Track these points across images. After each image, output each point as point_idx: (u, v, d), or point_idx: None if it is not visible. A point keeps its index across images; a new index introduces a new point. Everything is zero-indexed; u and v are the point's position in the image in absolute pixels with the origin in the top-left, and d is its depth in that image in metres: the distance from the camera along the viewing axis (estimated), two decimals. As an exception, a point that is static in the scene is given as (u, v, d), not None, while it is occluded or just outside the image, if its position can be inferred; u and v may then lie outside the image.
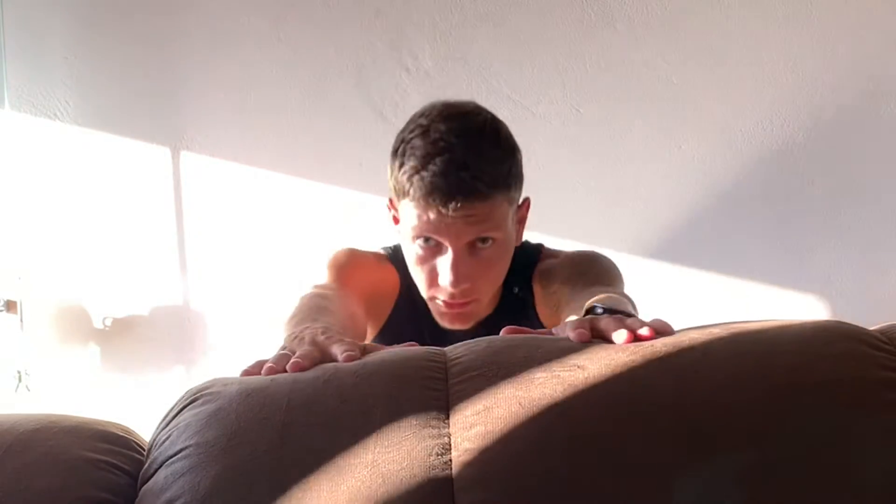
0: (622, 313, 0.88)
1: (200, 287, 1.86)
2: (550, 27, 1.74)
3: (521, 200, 1.16)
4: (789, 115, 1.74)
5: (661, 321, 0.80)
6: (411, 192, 1.05)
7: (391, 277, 1.25)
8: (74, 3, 1.78)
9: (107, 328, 1.86)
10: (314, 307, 1.13)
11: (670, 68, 1.74)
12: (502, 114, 1.76)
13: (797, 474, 0.62)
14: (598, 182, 1.78)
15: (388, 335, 1.26)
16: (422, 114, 1.10)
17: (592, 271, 1.18)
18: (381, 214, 1.81)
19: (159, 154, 1.81)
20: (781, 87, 1.74)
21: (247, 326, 1.86)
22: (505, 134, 1.12)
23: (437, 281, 1.10)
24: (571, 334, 0.75)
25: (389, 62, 1.77)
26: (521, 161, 1.13)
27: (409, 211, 1.07)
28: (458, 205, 1.02)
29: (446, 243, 1.08)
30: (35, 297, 1.83)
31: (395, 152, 1.09)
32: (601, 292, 1.03)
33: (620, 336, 0.74)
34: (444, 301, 1.12)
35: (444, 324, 1.17)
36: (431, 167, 1.02)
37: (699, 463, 0.62)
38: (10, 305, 1.77)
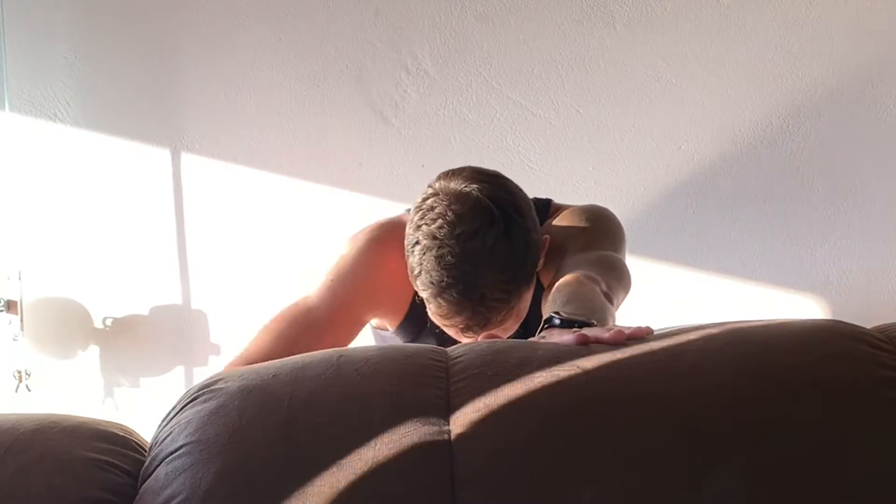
0: (580, 324, 0.87)
1: (200, 287, 1.85)
2: (550, 27, 1.74)
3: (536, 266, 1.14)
4: (789, 115, 1.74)
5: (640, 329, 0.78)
6: (430, 307, 1.08)
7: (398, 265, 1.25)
8: (75, 4, 1.78)
9: (107, 328, 1.86)
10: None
11: (670, 68, 1.74)
12: (502, 114, 1.77)
13: (797, 474, 0.62)
14: (598, 182, 1.78)
15: (410, 325, 1.27)
16: (430, 206, 1.07)
17: (594, 227, 1.20)
18: (380, 214, 1.81)
19: (159, 155, 1.81)
20: (781, 86, 1.74)
21: (247, 326, 1.86)
22: (519, 229, 1.07)
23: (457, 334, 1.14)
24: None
25: (389, 62, 1.77)
26: (538, 243, 1.11)
27: (430, 310, 1.10)
28: (476, 331, 1.07)
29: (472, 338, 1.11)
30: (35, 297, 1.83)
31: (409, 250, 1.08)
32: (591, 261, 1.06)
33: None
34: None
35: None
36: (447, 296, 1.04)
37: (699, 463, 0.62)
38: (11, 305, 1.77)
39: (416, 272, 1.08)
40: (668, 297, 1.81)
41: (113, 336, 1.87)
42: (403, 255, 1.16)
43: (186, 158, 1.81)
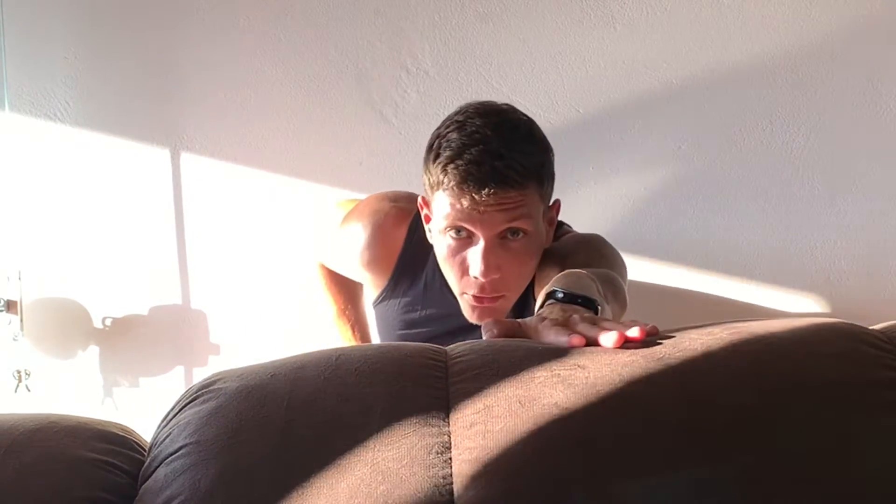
0: (583, 298, 0.88)
1: (200, 287, 1.85)
2: (550, 27, 1.74)
3: (551, 201, 1.18)
4: (789, 115, 1.74)
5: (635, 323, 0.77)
6: (445, 180, 1.07)
7: (397, 242, 1.29)
8: (74, 4, 1.78)
9: (107, 328, 1.86)
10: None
11: (670, 68, 1.74)
12: (502, 114, 1.77)
13: (797, 474, 0.62)
14: (598, 182, 1.78)
15: (398, 285, 1.30)
16: (458, 111, 1.13)
17: (593, 252, 1.20)
18: (381, 214, 1.81)
19: (159, 154, 1.81)
20: (781, 86, 1.74)
21: (247, 326, 1.86)
22: (539, 134, 1.14)
23: (468, 272, 1.12)
24: (548, 339, 0.76)
25: (389, 62, 1.77)
26: (552, 162, 1.16)
27: (443, 201, 1.10)
28: (492, 191, 1.05)
29: (478, 233, 1.10)
30: (35, 297, 1.83)
31: (430, 147, 1.12)
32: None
33: (609, 339, 0.73)
34: (473, 295, 1.14)
35: (473, 319, 1.18)
36: (466, 156, 1.05)
37: (699, 463, 0.62)
38: (11, 305, 1.77)
39: (435, 152, 1.10)
40: (668, 297, 1.81)
41: (112, 336, 1.87)
42: (392, 237, 1.20)
43: (186, 158, 1.81)
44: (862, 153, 1.75)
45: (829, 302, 1.78)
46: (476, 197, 1.06)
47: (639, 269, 1.79)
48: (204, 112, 1.80)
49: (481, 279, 1.11)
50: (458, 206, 1.08)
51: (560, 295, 0.88)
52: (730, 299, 1.81)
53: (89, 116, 1.80)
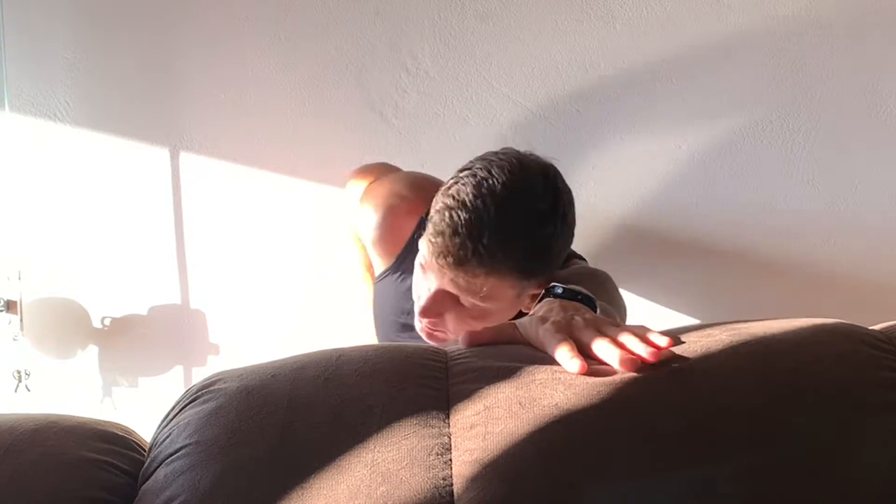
0: (583, 295, 0.85)
1: (199, 287, 1.85)
2: (550, 27, 1.74)
3: (539, 285, 1.07)
4: (789, 115, 1.74)
5: (642, 328, 0.74)
6: (430, 225, 1.03)
7: (405, 231, 1.27)
8: (74, 3, 1.78)
9: (106, 328, 1.86)
10: None
11: (670, 68, 1.74)
12: (502, 114, 1.77)
13: (798, 475, 0.62)
14: (598, 182, 1.78)
15: (399, 270, 1.29)
16: (503, 157, 1.06)
17: (595, 281, 1.16)
18: (380, 214, 1.81)
19: (158, 154, 1.81)
20: (781, 86, 1.74)
21: (247, 326, 1.86)
22: (548, 231, 1.04)
23: (418, 292, 1.10)
24: (551, 348, 0.71)
25: (389, 62, 1.77)
26: (553, 256, 1.07)
27: (424, 237, 1.06)
28: (448, 265, 1.00)
29: (433, 279, 1.06)
30: (35, 297, 1.83)
31: (461, 169, 1.06)
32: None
33: (611, 356, 0.68)
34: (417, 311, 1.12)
35: (417, 326, 1.17)
36: (455, 217, 0.99)
37: (700, 464, 0.62)
38: (10, 305, 1.77)
39: (450, 183, 1.03)
40: (669, 297, 1.81)
41: (112, 336, 1.87)
42: (409, 217, 1.18)
43: (186, 158, 1.81)
44: (862, 153, 1.75)
45: (829, 302, 1.78)
46: (437, 259, 1.01)
47: (639, 269, 1.79)
48: (204, 112, 1.80)
49: (418, 315, 1.09)
50: (426, 253, 1.04)
51: (559, 290, 0.86)
52: (730, 299, 1.81)
53: (89, 116, 1.80)
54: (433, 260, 1.03)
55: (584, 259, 1.30)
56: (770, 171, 1.76)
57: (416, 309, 1.10)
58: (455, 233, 0.99)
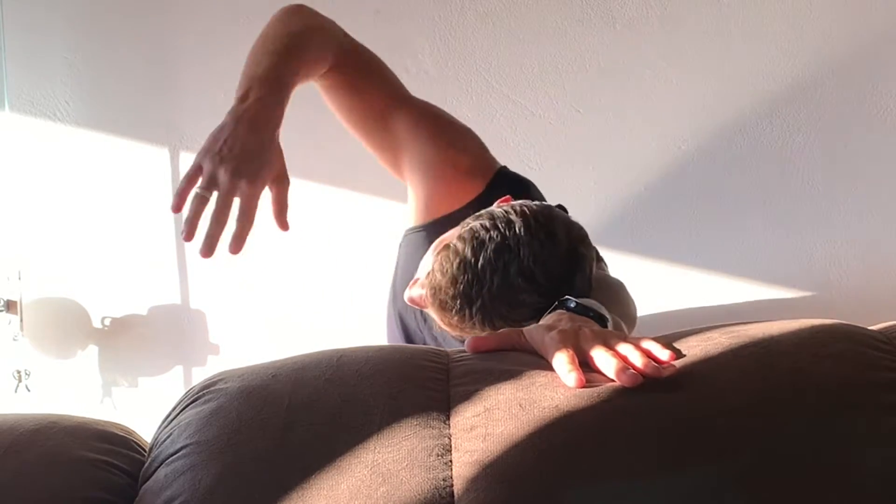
0: (595, 313, 0.83)
1: (200, 287, 1.85)
2: (551, 27, 1.74)
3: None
4: (789, 115, 1.74)
5: (646, 339, 0.72)
6: (432, 268, 0.99)
7: (472, 188, 1.21)
8: (74, 4, 1.78)
9: (106, 328, 1.86)
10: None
11: (670, 68, 1.74)
12: (502, 114, 1.77)
13: (797, 475, 0.62)
14: (598, 182, 1.78)
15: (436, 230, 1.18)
16: (509, 212, 0.98)
17: (607, 295, 1.14)
18: (379, 214, 1.80)
19: (158, 154, 1.80)
20: (781, 86, 1.73)
21: (247, 326, 1.86)
22: (550, 288, 0.96)
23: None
24: (551, 358, 0.69)
25: (389, 62, 1.76)
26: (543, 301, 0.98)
27: (426, 266, 1.02)
28: (446, 320, 0.97)
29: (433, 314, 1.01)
30: (35, 297, 1.83)
31: (476, 215, 1.01)
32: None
33: (609, 367, 0.67)
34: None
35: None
36: (450, 271, 0.95)
37: (700, 465, 0.62)
38: (10, 305, 1.77)
39: (455, 235, 0.99)
40: (668, 297, 1.81)
41: (112, 336, 1.86)
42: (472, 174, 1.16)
43: (186, 158, 1.81)
44: (862, 153, 1.75)
45: (829, 302, 1.78)
46: (434, 307, 0.98)
47: (638, 269, 1.79)
48: (204, 111, 1.80)
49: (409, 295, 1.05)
50: (425, 295, 1.00)
51: (572, 304, 0.85)
52: (729, 299, 1.81)
53: (89, 116, 1.80)
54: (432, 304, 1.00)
55: (605, 262, 1.27)
56: (770, 170, 1.76)
57: (414, 285, 1.05)
58: (452, 287, 0.95)
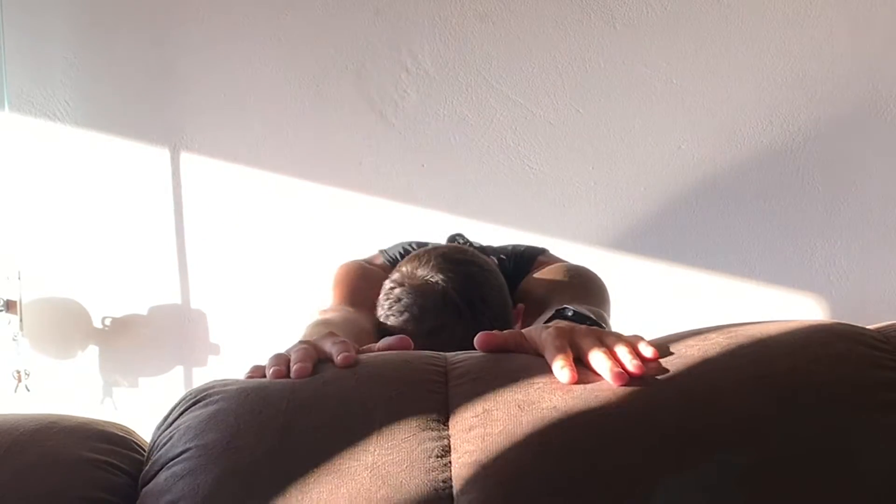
0: (592, 320, 0.86)
1: (200, 287, 1.86)
2: (550, 27, 1.74)
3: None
4: (789, 115, 1.74)
5: (636, 338, 0.74)
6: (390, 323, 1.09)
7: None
8: (74, 4, 1.78)
9: (106, 328, 1.86)
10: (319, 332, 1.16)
11: (670, 68, 1.74)
12: (502, 114, 1.77)
13: (796, 476, 0.62)
14: (598, 182, 1.78)
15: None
16: (401, 308, 1.09)
17: (579, 283, 1.17)
18: (379, 214, 1.81)
19: (159, 154, 1.81)
20: (781, 87, 1.74)
21: (247, 326, 1.86)
22: (488, 326, 1.02)
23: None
24: (548, 355, 0.71)
25: (389, 62, 1.77)
26: (507, 325, 1.10)
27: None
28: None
29: None
30: (35, 297, 1.83)
31: (386, 290, 1.11)
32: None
33: (604, 369, 0.69)
34: None
35: None
36: (406, 315, 1.06)
37: (699, 465, 0.62)
38: (10, 305, 1.77)
39: (387, 297, 1.08)
40: (668, 297, 1.81)
41: (112, 336, 1.87)
42: (384, 275, 1.18)
43: (186, 158, 1.81)
44: (862, 153, 1.75)
45: (829, 302, 1.78)
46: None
47: (638, 269, 1.79)
48: (204, 112, 1.80)
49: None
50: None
51: (569, 313, 0.87)
52: (730, 299, 1.81)
53: (89, 116, 1.80)
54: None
55: (546, 250, 1.30)
56: (770, 170, 1.76)
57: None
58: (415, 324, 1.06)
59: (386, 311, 1.08)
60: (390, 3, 1.75)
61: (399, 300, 1.07)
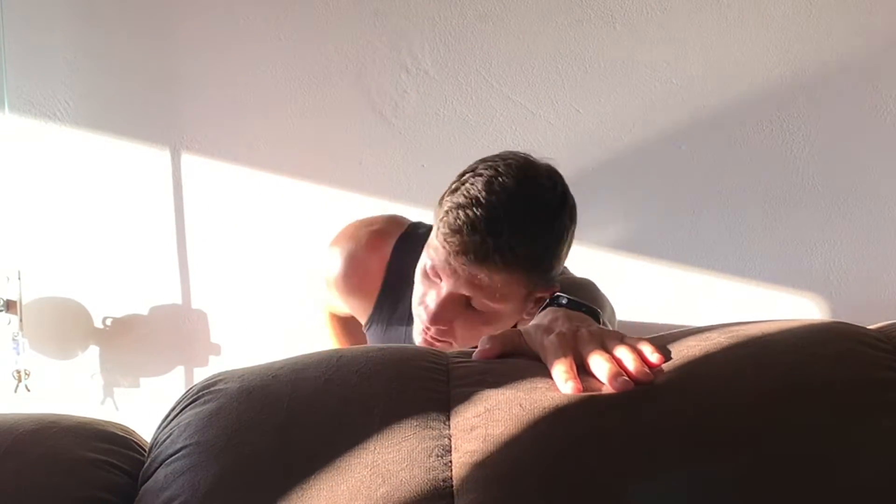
0: (587, 307, 0.85)
1: (200, 287, 1.85)
2: (550, 27, 1.74)
3: (547, 286, 1.09)
4: (789, 115, 1.74)
5: (639, 340, 0.73)
6: (441, 224, 1.03)
7: (378, 267, 1.25)
8: (74, 4, 1.78)
9: (107, 328, 1.86)
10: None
11: (670, 68, 1.74)
12: (502, 114, 1.77)
13: (797, 475, 0.62)
14: (598, 183, 1.78)
15: (383, 309, 1.26)
16: (503, 158, 1.06)
17: (579, 285, 1.16)
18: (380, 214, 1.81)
19: (159, 155, 1.81)
20: (781, 86, 1.73)
21: (247, 326, 1.86)
22: (562, 222, 1.07)
23: (424, 301, 1.08)
24: (550, 364, 0.70)
25: (389, 62, 1.77)
26: (562, 253, 1.08)
27: (433, 239, 1.05)
28: (471, 262, 1.00)
29: (445, 283, 1.05)
30: (35, 297, 1.83)
31: (455, 180, 1.06)
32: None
33: (603, 373, 0.68)
34: (422, 322, 1.11)
35: (418, 341, 1.15)
36: (469, 212, 0.99)
37: (700, 464, 0.62)
38: (10, 305, 1.77)
39: (458, 184, 1.03)
40: (668, 297, 1.81)
41: (113, 336, 1.87)
42: (370, 259, 1.17)
43: (186, 158, 1.81)
44: (862, 153, 1.75)
45: (829, 302, 1.78)
46: (455, 258, 1.01)
47: (638, 270, 1.79)
48: (204, 112, 1.80)
49: (427, 324, 1.08)
50: (440, 251, 1.03)
51: (564, 301, 0.86)
52: (730, 299, 1.81)
53: (89, 116, 1.80)
54: (448, 260, 1.02)
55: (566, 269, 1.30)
56: (770, 170, 1.76)
57: (423, 318, 1.08)
58: (473, 229, 0.99)
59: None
60: (390, 3, 1.75)
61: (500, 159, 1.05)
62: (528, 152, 1.12)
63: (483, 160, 1.07)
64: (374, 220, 1.32)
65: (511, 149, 1.15)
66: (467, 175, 1.05)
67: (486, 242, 0.99)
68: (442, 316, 1.06)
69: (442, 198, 1.07)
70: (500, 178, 1.01)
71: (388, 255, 1.25)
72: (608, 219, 1.79)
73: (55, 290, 1.85)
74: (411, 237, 1.24)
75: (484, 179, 1.01)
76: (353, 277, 1.26)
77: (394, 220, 1.29)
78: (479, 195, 1.00)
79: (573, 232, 1.10)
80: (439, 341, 1.10)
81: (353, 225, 1.33)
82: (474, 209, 1.00)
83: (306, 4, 1.76)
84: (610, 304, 1.18)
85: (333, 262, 1.29)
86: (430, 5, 1.74)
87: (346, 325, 1.47)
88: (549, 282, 1.09)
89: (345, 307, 1.34)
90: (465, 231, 0.99)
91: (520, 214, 1.01)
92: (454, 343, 1.10)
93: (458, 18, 1.74)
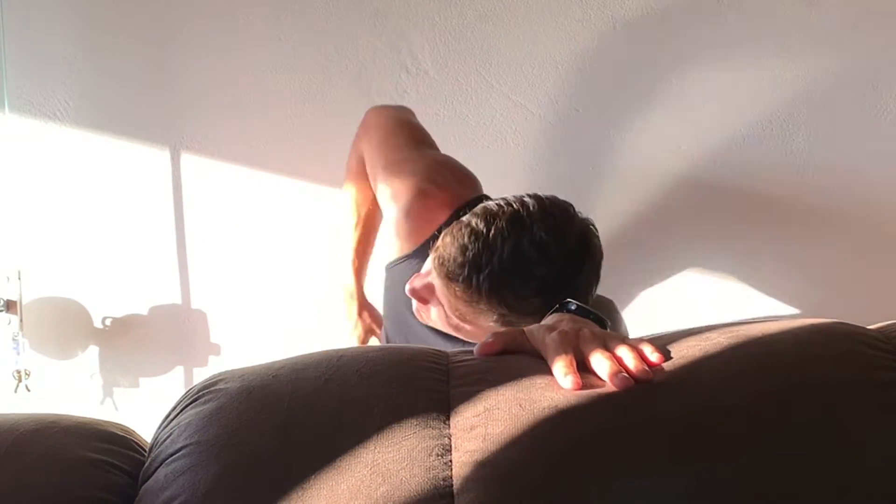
0: (595, 315, 0.85)
1: (200, 287, 1.86)
2: (550, 27, 1.74)
3: None
4: (789, 115, 1.74)
5: (639, 340, 0.73)
6: (438, 245, 1.04)
7: (434, 223, 1.23)
8: (74, 4, 1.78)
9: (106, 328, 1.86)
10: None
11: (670, 68, 1.74)
12: (502, 114, 1.77)
13: (797, 476, 0.62)
14: (598, 183, 1.78)
15: (420, 257, 1.24)
16: (516, 196, 1.05)
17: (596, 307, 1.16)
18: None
19: (159, 155, 1.81)
20: (781, 86, 1.74)
21: (247, 326, 1.86)
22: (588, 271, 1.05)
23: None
24: (550, 360, 0.70)
25: (389, 62, 1.77)
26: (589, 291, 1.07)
27: (439, 271, 1.05)
28: (458, 285, 1.02)
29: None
30: (35, 297, 1.83)
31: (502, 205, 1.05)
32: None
33: (603, 370, 0.68)
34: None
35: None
36: (459, 241, 1.00)
37: (700, 464, 0.62)
38: (10, 305, 1.77)
39: (468, 229, 1.02)
40: (668, 297, 1.81)
41: (112, 336, 1.87)
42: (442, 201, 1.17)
43: (186, 158, 1.81)
44: (862, 153, 1.75)
45: (829, 302, 1.78)
46: (486, 317, 1.03)
47: (638, 269, 1.79)
48: (204, 112, 1.80)
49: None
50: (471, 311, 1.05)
51: (573, 307, 0.86)
52: (730, 299, 1.81)
53: (89, 116, 1.80)
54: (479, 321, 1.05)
55: None
56: (770, 171, 1.76)
57: (417, 277, 1.10)
58: (479, 297, 1.01)
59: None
60: (390, 3, 1.75)
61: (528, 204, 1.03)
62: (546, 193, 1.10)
63: (505, 196, 1.06)
64: (464, 175, 1.31)
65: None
66: (483, 203, 1.05)
67: (470, 277, 1.00)
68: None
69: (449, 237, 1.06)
70: (533, 231, 1.00)
71: (445, 217, 1.23)
72: (608, 219, 1.79)
73: (55, 290, 1.85)
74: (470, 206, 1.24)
75: (490, 212, 1.02)
76: (412, 222, 1.25)
77: (472, 184, 1.27)
78: (478, 227, 1.01)
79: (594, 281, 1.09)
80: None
81: (434, 164, 1.31)
82: (468, 239, 1.01)
83: (306, 4, 1.76)
84: (625, 325, 1.19)
85: (400, 198, 1.27)
86: (430, 5, 1.74)
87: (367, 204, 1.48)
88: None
89: (392, 208, 1.32)
90: (452, 258, 1.01)
91: (511, 252, 1.00)
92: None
93: (458, 18, 1.74)
